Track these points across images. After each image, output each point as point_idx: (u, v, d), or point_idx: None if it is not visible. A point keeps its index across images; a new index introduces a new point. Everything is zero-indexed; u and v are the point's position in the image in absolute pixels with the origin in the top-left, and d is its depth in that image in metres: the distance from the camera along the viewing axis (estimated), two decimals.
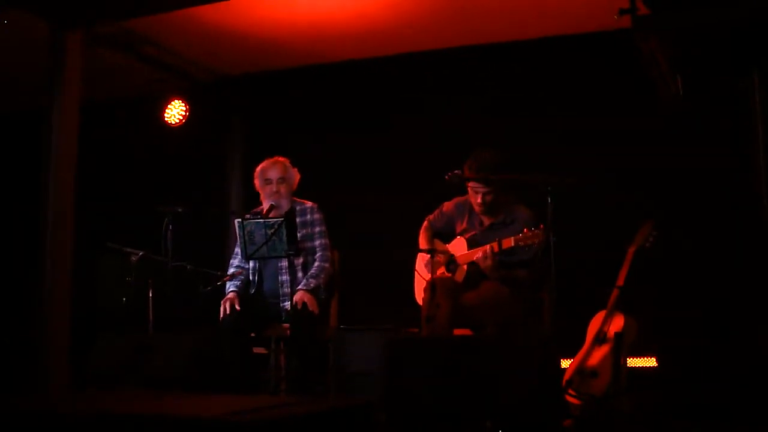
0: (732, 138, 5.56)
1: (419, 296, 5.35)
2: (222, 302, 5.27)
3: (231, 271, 5.51)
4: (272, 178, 5.40)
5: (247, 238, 4.86)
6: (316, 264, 5.37)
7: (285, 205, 5.35)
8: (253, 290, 5.44)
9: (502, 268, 5.11)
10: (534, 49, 6.57)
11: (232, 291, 5.34)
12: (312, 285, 5.24)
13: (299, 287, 5.22)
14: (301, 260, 5.33)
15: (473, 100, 6.71)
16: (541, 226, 4.79)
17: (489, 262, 5.03)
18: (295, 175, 5.50)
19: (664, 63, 4.13)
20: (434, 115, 6.83)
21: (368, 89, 7.14)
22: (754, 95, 3.80)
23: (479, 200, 5.15)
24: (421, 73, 6.94)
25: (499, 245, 4.94)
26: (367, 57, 7.01)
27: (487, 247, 5.04)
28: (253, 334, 5.28)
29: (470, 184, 5.14)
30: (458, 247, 5.33)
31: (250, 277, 5.46)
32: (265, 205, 5.36)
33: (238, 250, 5.41)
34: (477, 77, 6.77)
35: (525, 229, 4.84)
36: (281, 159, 5.50)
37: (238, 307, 5.18)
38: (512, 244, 4.88)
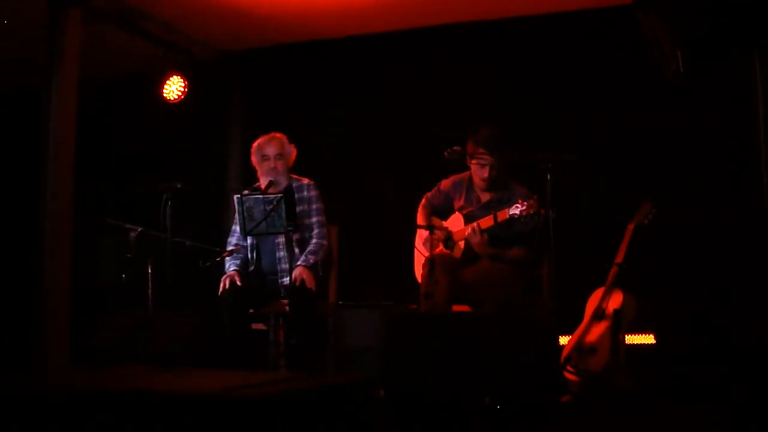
0: (732, 115, 5.55)
1: (419, 273, 5.36)
2: (222, 279, 5.28)
3: (229, 248, 5.51)
4: (269, 154, 5.39)
5: (246, 214, 4.86)
6: (314, 241, 5.37)
7: (283, 182, 5.34)
8: (252, 267, 5.45)
9: (498, 245, 5.12)
10: (533, 26, 6.54)
11: (233, 269, 5.34)
12: (311, 261, 5.25)
13: (298, 263, 5.22)
14: (297, 236, 5.33)
15: (472, 76, 6.68)
16: (535, 197, 4.79)
17: (477, 238, 5.04)
18: (293, 152, 5.48)
19: (664, 39, 4.11)
20: (433, 91, 6.81)
21: (368, 65, 7.12)
22: (755, 72, 3.78)
23: (486, 174, 5.15)
24: (420, 49, 6.91)
25: (495, 218, 4.94)
26: (367, 33, 6.98)
27: (475, 224, 5.05)
28: (251, 311, 5.29)
29: (475, 157, 5.12)
30: (456, 223, 5.34)
31: (248, 254, 5.47)
32: (263, 182, 5.35)
33: (235, 227, 5.41)
34: (476, 54, 6.75)
35: (519, 200, 4.83)
36: (278, 135, 5.47)
37: (239, 284, 5.18)
38: (507, 216, 4.88)
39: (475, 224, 5.05)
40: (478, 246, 5.07)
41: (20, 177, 7.09)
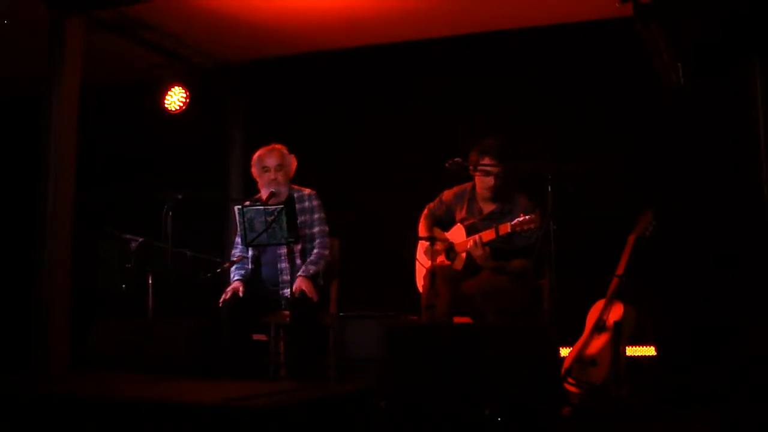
0: (733, 125, 5.55)
1: (420, 284, 5.35)
2: (226, 290, 5.27)
3: (233, 259, 5.50)
4: (270, 165, 5.39)
5: (247, 225, 4.86)
6: (315, 251, 5.36)
7: (284, 192, 5.35)
8: (252, 276, 5.44)
9: (500, 257, 5.11)
10: (534, 37, 6.55)
11: (237, 279, 5.34)
12: (311, 271, 5.25)
13: (299, 274, 5.22)
14: (299, 247, 5.33)
15: (473, 87, 6.69)
16: (537, 210, 4.79)
17: (479, 251, 5.04)
18: (293, 162, 5.48)
19: (665, 50, 4.12)
20: (434, 102, 6.82)
21: (368, 76, 7.13)
22: (755, 82, 3.80)
23: (491, 183, 5.15)
24: (421, 60, 6.92)
25: (497, 232, 4.94)
26: (368, 44, 7.00)
27: (476, 236, 5.05)
28: (252, 322, 5.28)
29: (481, 167, 5.13)
30: (457, 234, 5.33)
31: (250, 265, 5.46)
32: (263, 193, 5.35)
33: (239, 238, 5.41)
34: (477, 65, 6.76)
35: (521, 214, 4.84)
36: (278, 146, 5.47)
37: (241, 296, 5.17)
38: (509, 230, 4.88)
39: (476, 237, 5.05)
40: (480, 258, 5.08)
41: (21, 185, 7.09)
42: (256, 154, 5.47)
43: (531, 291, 5.16)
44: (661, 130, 6.14)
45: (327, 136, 7.13)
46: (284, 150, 5.47)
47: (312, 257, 5.34)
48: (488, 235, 5.02)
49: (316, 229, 5.41)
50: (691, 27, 3.94)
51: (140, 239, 5.81)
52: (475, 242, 5.04)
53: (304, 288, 5.14)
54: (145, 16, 6.45)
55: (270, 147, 5.46)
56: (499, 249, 5.09)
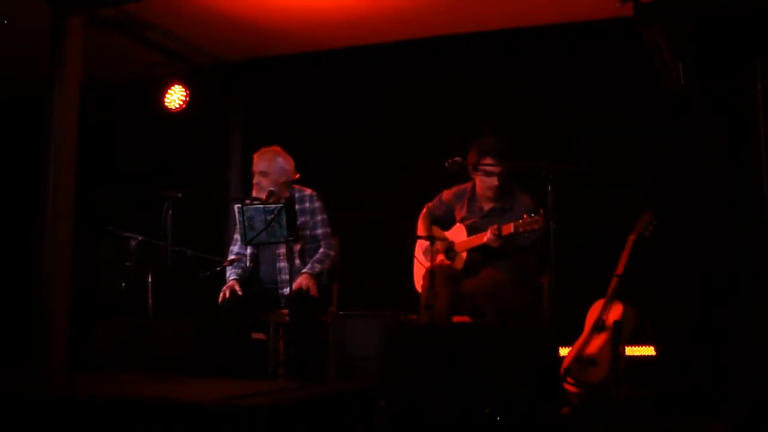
0: (733, 124, 5.55)
1: (418, 283, 5.35)
2: (222, 289, 5.28)
3: (231, 257, 5.51)
4: (255, 170, 5.39)
5: (246, 223, 4.86)
6: (322, 250, 5.37)
7: (270, 192, 5.27)
8: (248, 275, 5.44)
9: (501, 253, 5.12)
10: (534, 37, 6.55)
11: (233, 279, 5.34)
12: (317, 269, 5.25)
13: (304, 270, 5.21)
14: (298, 247, 5.33)
15: (473, 87, 6.68)
16: (542, 211, 4.78)
17: (497, 243, 5.00)
18: (286, 165, 5.41)
19: (665, 50, 4.12)
20: (434, 101, 6.81)
21: (368, 75, 7.12)
22: (755, 82, 3.80)
23: (495, 183, 5.15)
24: (421, 59, 6.92)
25: (499, 232, 4.93)
26: (368, 43, 6.99)
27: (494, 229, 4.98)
28: (251, 320, 5.28)
29: (481, 167, 5.12)
30: (458, 234, 5.33)
31: (248, 263, 5.46)
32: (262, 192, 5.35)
33: (237, 236, 5.41)
34: (477, 64, 6.76)
35: (524, 215, 4.83)
36: (272, 149, 5.42)
37: (240, 293, 5.18)
38: (511, 230, 4.87)
39: (494, 230, 4.97)
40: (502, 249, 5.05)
41: (22, 185, 7.09)
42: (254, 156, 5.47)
43: (530, 290, 5.16)
44: (661, 129, 6.13)
45: (327, 135, 7.13)
46: (277, 153, 5.41)
47: (318, 256, 5.34)
48: (478, 239, 5.04)
49: (319, 231, 5.40)
50: (691, 27, 3.95)
51: (140, 237, 5.81)
52: (494, 235, 4.97)
53: (307, 285, 5.13)
54: (145, 14, 6.45)
55: (263, 150, 5.42)
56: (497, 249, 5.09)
